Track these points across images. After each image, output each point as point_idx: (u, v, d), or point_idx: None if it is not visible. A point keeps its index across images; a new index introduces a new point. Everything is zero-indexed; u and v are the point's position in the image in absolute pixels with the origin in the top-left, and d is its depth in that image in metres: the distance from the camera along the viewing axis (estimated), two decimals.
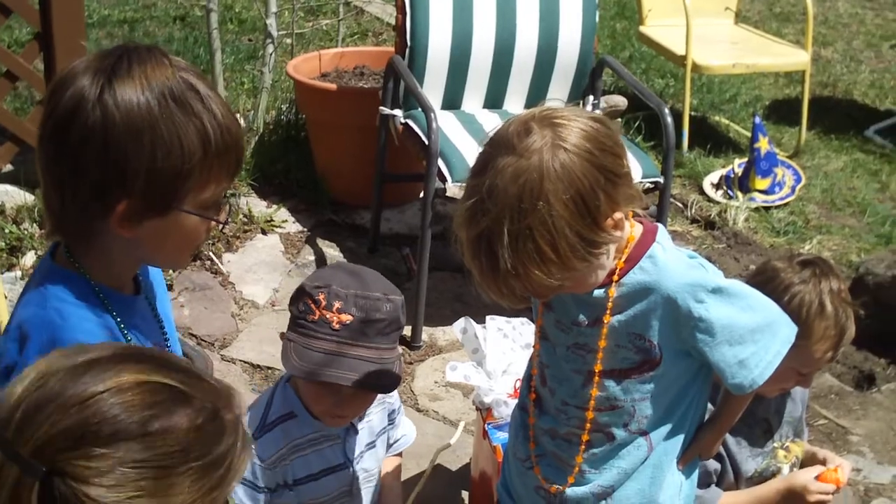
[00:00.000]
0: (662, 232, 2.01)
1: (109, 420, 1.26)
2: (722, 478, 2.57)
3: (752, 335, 2.01)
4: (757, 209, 5.38)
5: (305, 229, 4.83)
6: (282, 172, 5.07)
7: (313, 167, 5.05)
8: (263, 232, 4.76)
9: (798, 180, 5.67)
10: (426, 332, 4.12)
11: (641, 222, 2.01)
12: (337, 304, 2.09)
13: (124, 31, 6.98)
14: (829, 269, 2.45)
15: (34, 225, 4.42)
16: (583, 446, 2.08)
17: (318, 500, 2.26)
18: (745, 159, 5.55)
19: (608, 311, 1.97)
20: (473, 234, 1.80)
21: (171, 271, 4.32)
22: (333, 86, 4.86)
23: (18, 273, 4.14)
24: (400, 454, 2.56)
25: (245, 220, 4.76)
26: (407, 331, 4.10)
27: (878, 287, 4.54)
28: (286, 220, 4.86)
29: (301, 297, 2.13)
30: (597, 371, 2.01)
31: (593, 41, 4.51)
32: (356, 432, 2.27)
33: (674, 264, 1.98)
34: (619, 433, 2.07)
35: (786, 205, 5.47)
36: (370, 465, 2.33)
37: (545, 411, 2.14)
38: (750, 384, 2.04)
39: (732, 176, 5.55)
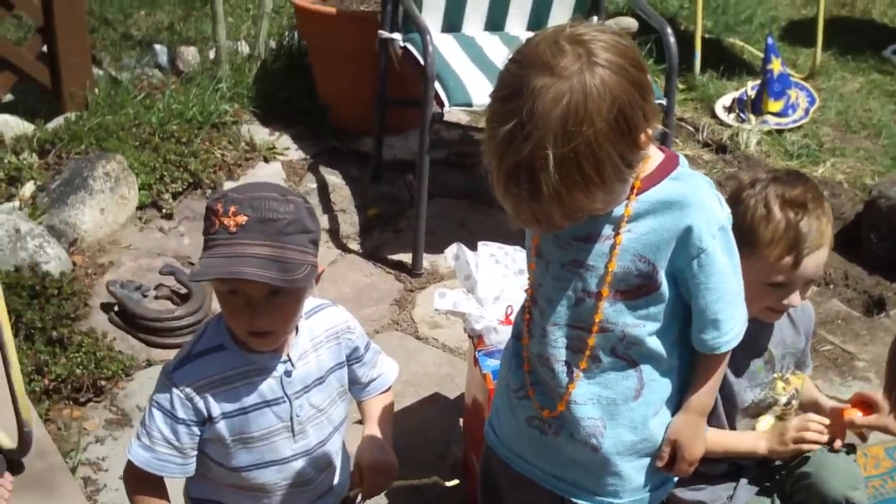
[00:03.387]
0: (683, 159, 1.99)
1: None
2: (713, 410, 2.52)
3: (734, 298, 2.01)
4: (770, 132, 5.28)
5: (308, 157, 4.77)
6: (284, 100, 4.99)
7: (316, 94, 4.97)
8: (265, 160, 4.70)
9: (812, 102, 5.56)
10: (427, 260, 4.07)
11: (660, 148, 1.98)
12: (233, 209, 2.02)
13: None
14: (788, 177, 2.39)
15: (33, 155, 4.38)
16: (578, 372, 2.02)
17: (253, 434, 2.19)
18: (759, 81, 5.44)
19: (621, 230, 1.92)
20: (512, 162, 1.74)
21: (171, 199, 4.29)
22: (333, 10, 4.77)
23: (17, 203, 4.10)
24: (388, 392, 2.48)
25: (247, 147, 4.70)
26: (408, 258, 4.07)
27: (890, 210, 4.45)
28: (288, 148, 4.80)
29: (206, 215, 2.09)
30: (604, 294, 1.96)
31: None
32: (293, 366, 2.20)
33: (701, 189, 1.95)
34: (605, 357, 2.02)
35: (799, 127, 5.36)
36: (319, 402, 2.25)
37: (534, 334, 2.09)
38: (713, 347, 2.02)
39: (745, 98, 5.44)
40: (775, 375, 2.59)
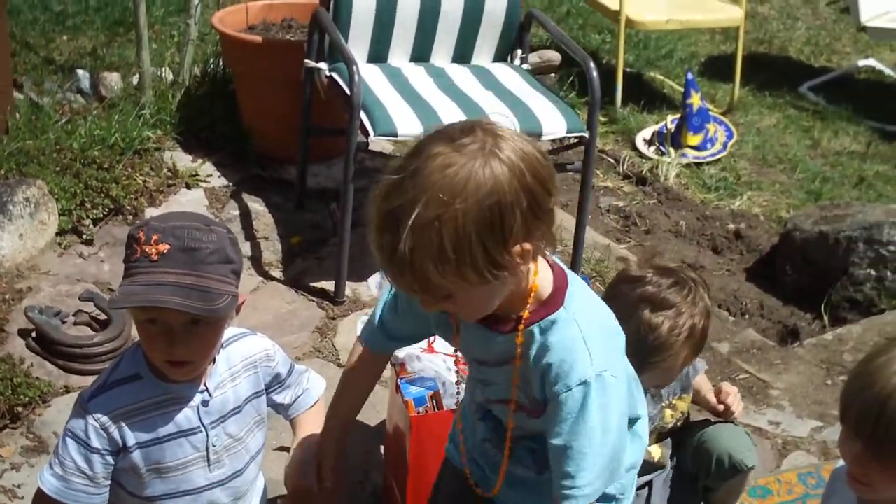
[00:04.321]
0: (571, 293, 1.95)
1: None
2: None
3: (586, 460, 1.92)
4: (688, 165, 5.39)
5: (231, 184, 4.75)
6: (208, 126, 4.97)
7: (240, 121, 4.97)
8: (188, 186, 4.68)
9: (730, 136, 5.68)
10: (350, 288, 4.08)
11: (554, 278, 1.96)
12: (155, 237, 2.03)
13: None
14: (661, 298, 2.53)
15: None
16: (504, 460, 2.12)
17: (169, 464, 2.18)
18: (678, 115, 5.55)
19: (517, 358, 1.95)
20: (385, 209, 1.76)
21: (91, 225, 4.25)
22: (259, 38, 4.78)
23: None
24: (316, 407, 2.46)
25: (169, 174, 4.67)
26: (330, 286, 4.07)
27: (804, 243, 4.57)
28: (211, 175, 4.78)
29: (127, 243, 2.08)
30: (511, 407, 2.05)
31: None
32: (210, 395, 2.20)
33: (574, 339, 1.92)
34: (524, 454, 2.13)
35: (717, 161, 5.48)
36: (235, 431, 2.25)
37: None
38: (564, 498, 1.95)
39: (665, 132, 5.55)
40: (663, 405, 2.66)
